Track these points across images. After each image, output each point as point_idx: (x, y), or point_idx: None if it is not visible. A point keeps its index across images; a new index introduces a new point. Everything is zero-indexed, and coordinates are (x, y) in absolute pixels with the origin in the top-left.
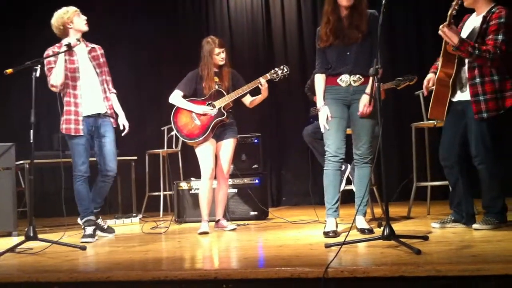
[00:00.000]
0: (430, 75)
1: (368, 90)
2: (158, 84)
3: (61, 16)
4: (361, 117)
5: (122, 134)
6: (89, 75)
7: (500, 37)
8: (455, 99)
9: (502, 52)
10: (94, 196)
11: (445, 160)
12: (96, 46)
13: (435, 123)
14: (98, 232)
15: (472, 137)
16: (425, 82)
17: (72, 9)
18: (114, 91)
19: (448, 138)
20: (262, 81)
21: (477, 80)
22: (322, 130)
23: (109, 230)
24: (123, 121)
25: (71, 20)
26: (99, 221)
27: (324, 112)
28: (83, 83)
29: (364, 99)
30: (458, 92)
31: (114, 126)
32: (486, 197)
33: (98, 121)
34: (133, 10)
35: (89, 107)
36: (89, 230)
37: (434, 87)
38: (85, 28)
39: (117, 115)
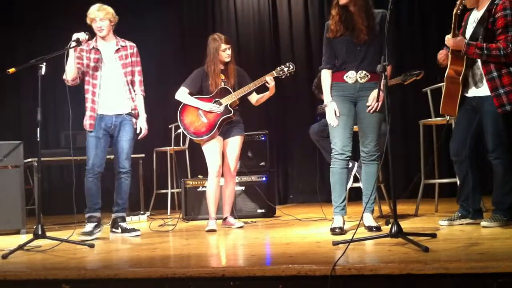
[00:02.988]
0: (444, 50)
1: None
2: (165, 81)
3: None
4: (368, 114)
5: (139, 138)
6: (112, 74)
7: (510, 29)
8: (469, 95)
9: None
10: (115, 197)
11: (456, 155)
12: (129, 45)
13: (448, 119)
14: (123, 235)
15: (489, 131)
16: (439, 56)
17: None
18: (142, 92)
19: (461, 133)
20: (268, 79)
21: (494, 74)
22: (331, 124)
23: (133, 230)
24: (141, 124)
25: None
26: (124, 224)
27: (332, 107)
28: (104, 82)
29: (374, 93)
30: (473, 87)
31: (135, 127)
32: (497, 192)
33: (117, 119)
34: (139, 9)
35: (107, 107)
36: (89, 227)
37: (445, 84)
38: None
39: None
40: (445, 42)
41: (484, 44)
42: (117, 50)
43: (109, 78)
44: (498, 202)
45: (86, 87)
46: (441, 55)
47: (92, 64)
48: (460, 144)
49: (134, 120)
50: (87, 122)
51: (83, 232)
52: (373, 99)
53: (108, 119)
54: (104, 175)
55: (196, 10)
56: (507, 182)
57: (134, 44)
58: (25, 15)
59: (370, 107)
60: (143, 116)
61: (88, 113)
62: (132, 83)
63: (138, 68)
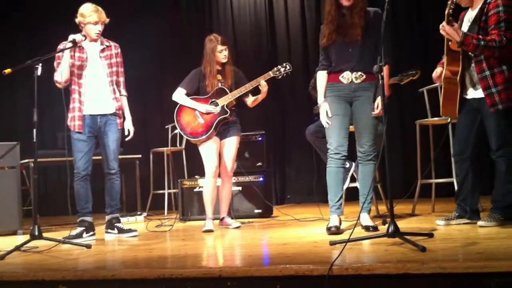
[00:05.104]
0: (439, 69)
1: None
2: (162, 82)
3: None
4: (363, 114)
5: (126, 139)
6: (97, 74)
7: (502, 24)
8: (469, 97)
9: (508, 39)
10: (107, 199)
11: (458, 155)
12: (113, 45)
13: (449, 120)
14: (120, 235)
15: (491, 132)
16: (434, 75)
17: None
18: (125, 93)
19: (463, 134)
20: (263, 82)
21: (487, 72)
22: (325, 125)
23: (130, 230)
24: (128, 126)
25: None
26: (120, 224)
27: (324, 108)
28: (89, 81)
29: (379, 100)
30: (471, 89)
31: (120, 127)
32: (498, 190)
33: (102, 120)
34: (136, 9)
35: (92, 106)
36: (77, 230)
37: (442, 86)
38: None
39: (124, 118)
40: (440, 30)
41: (480, 36)
42: (102, 50)
43: (94, 78)
44: (498, 201)
45: (72, 87)
46: (436, 75)
47: (77, 63)
48: (463, 144)
49: (118, 120)
50: (75, 123)
51: (70, 235)
52: (377, 107)
53: (94, 120)
54: (97, 176)
55: (193, 10)
56: (510, 181)
57: (118, 45)
58: (24, 16)
59: (375, 112)
60: (129, 118)
61: (76, 113)
62: (117, 83)
63: (121, 69)
